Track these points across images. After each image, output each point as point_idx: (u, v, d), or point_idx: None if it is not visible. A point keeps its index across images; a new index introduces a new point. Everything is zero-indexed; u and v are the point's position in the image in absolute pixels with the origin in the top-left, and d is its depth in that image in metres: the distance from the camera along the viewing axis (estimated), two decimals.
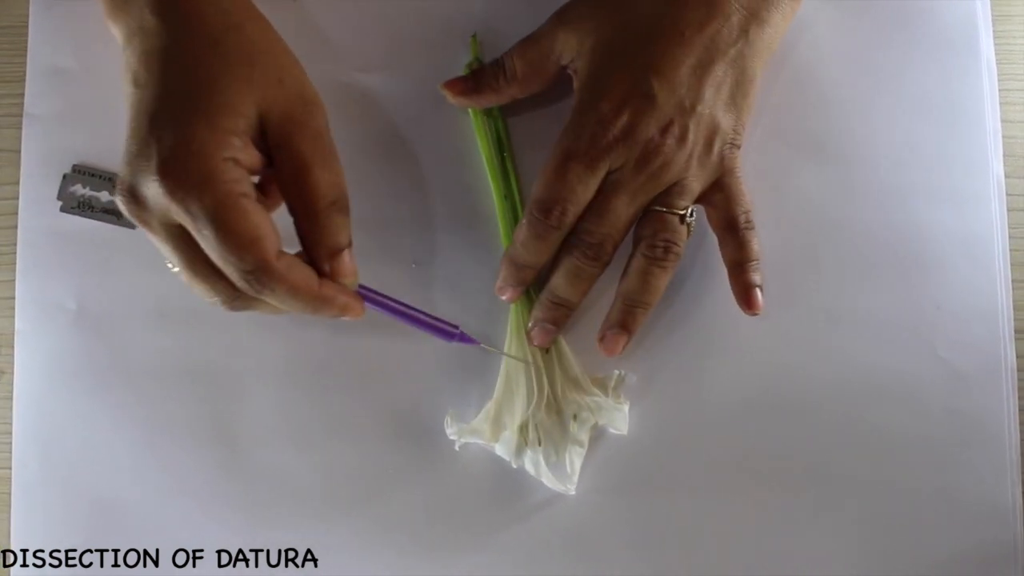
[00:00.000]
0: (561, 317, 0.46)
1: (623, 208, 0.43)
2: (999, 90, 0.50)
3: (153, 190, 0.36)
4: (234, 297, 0.38)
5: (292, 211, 0.39)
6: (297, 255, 0.39)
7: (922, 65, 0.50)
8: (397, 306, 0.43)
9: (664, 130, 0.43)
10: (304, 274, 0.38)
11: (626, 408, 0.47)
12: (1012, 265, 0.48)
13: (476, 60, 0.48)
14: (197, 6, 0.39)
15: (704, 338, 0.48)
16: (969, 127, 0.49)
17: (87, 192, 0.49)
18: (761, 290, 0.45)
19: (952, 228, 0.49)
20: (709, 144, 0.44)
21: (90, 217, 0.49)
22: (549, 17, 0.46)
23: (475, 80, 0.47)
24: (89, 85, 0.49)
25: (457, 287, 0.48)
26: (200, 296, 0.39)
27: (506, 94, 0.46)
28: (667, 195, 0.44)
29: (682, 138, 0.43)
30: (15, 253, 0.49)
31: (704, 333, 0.48)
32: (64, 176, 0.49)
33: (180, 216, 0.36)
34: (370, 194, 0.49)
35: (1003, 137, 0.50)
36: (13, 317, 0.49)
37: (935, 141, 0.49)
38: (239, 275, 0.37)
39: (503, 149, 0.48)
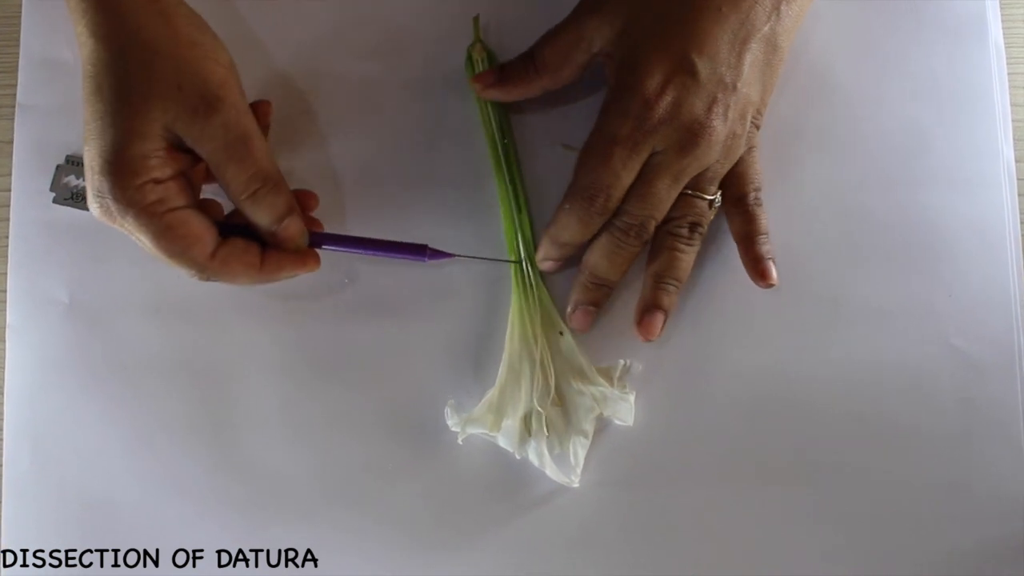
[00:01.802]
0: (602, 297, 0.46)
1: (665, 191, 0.43)
2: (1008, 74, 0.50)
3: (97, 207, 0.40)
4: (198, 278, 0.42)
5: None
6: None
7: (930, 51, 0.49)
8: (357, 243, 0.44)
9: (709, 109, 0.42)
10: (242, 260, 0.42)
11: (631, 399, 0.46)
12: None
13: (478, 42, 0.48)
14: (106, 17, 0.40)
15: (711, 328, 0.47)
16: (978, 112, 0.49)
17: (80, 183, 0.48)
18: (773, 262, 0.45)
19: (963, 214, 0.48)
20: (743, 122, 0.44)
21: (83, 208, 0.48)
22: (576, 5, 0.45)
23: (504, 72, 0.46)
24: (82, 76, 0.49)
25: (459, 276, 0.48)
26: None
27: (536, 86, 0.46)
28: (699, 179, 0.44)
29: (724, 116, 0.43)
30: (7, 246, 0.48)
31: (711, 323, 0.47)
32: (57, 167, 0.48)
33: (125, 229, 0.40)
34: (373, 183, 0.48)
35: (1013, 121, 0.49)
36: (5, 311, 0.48)
37: (944, 127, 0.49)
38: (188, 272, 0.41)
39: (505, 136, 0.48)
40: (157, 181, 0.40)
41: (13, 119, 0.49)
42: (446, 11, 0.49)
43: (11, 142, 0.49)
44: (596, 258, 0.45)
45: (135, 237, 0.40)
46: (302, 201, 0.45)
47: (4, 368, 0.48)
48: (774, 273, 0.45)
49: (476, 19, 0.48)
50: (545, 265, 0.46)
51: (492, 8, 0.49)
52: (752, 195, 0.45)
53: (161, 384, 0.47)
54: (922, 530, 0.46)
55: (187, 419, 0.47)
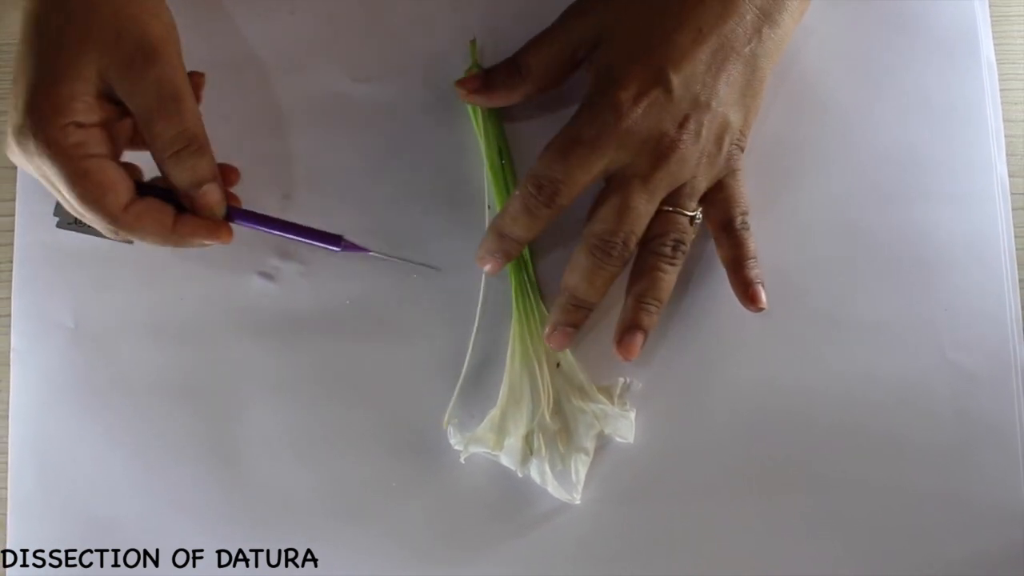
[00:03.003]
0: (580, 319, 0.45)
1: (643, 206, 0.43)
2: (1000, 90, 0.50)
3: (13, 152, 0.40)
4: (112, 233, 0.42)
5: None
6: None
7: (922, 67, 0.50)
8: (274, 223, 0.45)
9: (680, 125, 0.42)
10: (155, 219, 0.42)
11: (632, 416, 0.46)
12: (1018, 264, 0.48)
13: (475, 66, 0.48)
14: None
15: (709, 345, 0.48)
16: (971, 127, 0.49)
17: None
18: (762, 286, 0.45)
19: (957, 229, 0.48)
20: (719, 142, 0.44)
21: (86, 233, 0.48)
22: (561, 13, 0.45)
23: (488, 78, 0.46)
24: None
25: (456, 295, 0.48)
26: None
27: (520, 92, 0.46)
28: (677, 195, 0.44)
29: (696, 134, 0.43)
30: (11, 270, 0.49)
31: (709, 340, 0.48)
32: None
33: (38, 172, 0.40)
34: (368, 203, 0.48)
35: (1006, 137, 0.49)
36: (9, 334, 0.48)
37: (937, 142, 0.49)
38: (98, 222, 0.41)
39: (503, 157, 0.48)
40: (80, 125, 0.39)
41: None
42: (443, 32, 0.50)
43: (15, 167, 0.49)
44: (576, 279, 0.44)
45: (49, 180, 0.40)
46: (224, 174, 0.45)
47: (9, 391, 0.48)
48: (763, 297, 0.45)
49: (473, 42, 0.49)
50: (483, 263, 0.45)
51: (488, 31, 0.49)
52: (739, 219, 0.45)
53: (165, 405, 0.48)
54: (919, 541, 0.46)
55: (191, 440, 0.47)
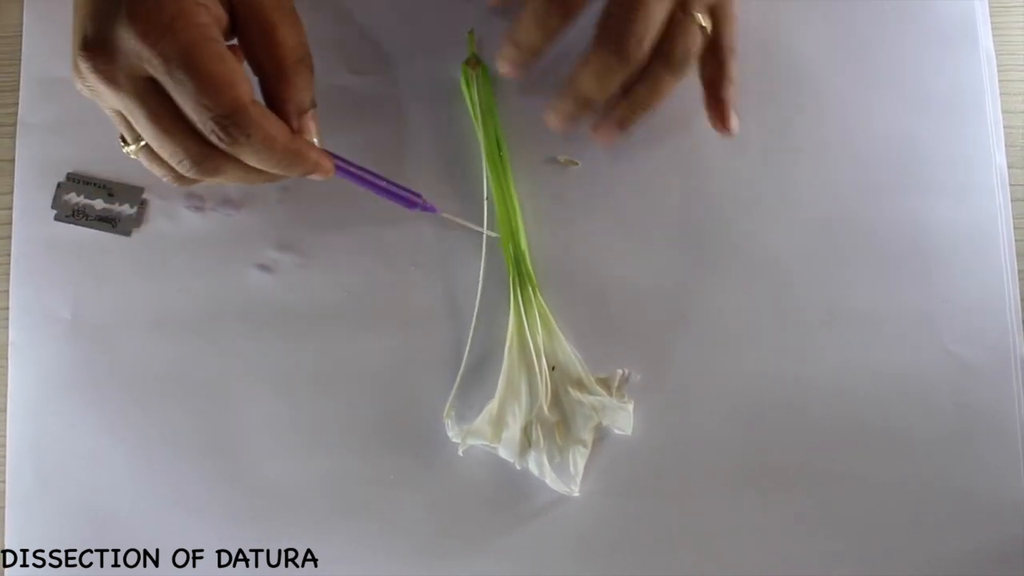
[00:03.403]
0: (582, 112, 0.45)
1: (657, 9, 0.42)
2: (1000, 81, 0.50)
3: (124, 36, 0.34)
4: (204, 156, 0.37)
5: (259, 71, 0.39)
6: None
7: (921, 58, 0.50)
8: (359, 171, 0.43)
9: None
10: (278, 123, 0.38)
11: (630, 408, 0.46)
12: (1017, 255, 0.48)
13: (473, 56, 0.48)
14: None
15: (708, 337, 0.48)
16: (970, 119, 0.49)
17: (81, 200, 0.48)
18: (736, 112, 0.45)
19: (956, 220, 0.48)
20: None
21: (85, 225, 0.48)
22: None
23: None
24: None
25: (454, 287, 0.48)
26: (164, 168, 0.39)
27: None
28: (688, 2, 0.43)
29: None
30: (9, 263, 0.49)
31: (708, 332, 0.48)
32: (58, 185, 0.49)
33: (152, 62, 0.35)
34: (367, 194, 0.48)
35: (1005, 128, 0.49)
36: (7, 328, 0.48)
37: (936, 134, 0.49)
38: (214, 123, 0.36)
39: (501, 149, 0.48)
40: (208, 9, 0.36)
41: (14, 137, 0.49)
42: (441, 23, 0.50)
43: (12, 160, 0.49)
44: (585, 76, 0.43)
45: (165, 67, 0.35)
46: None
47: (7, 384, 0.48)
48: (735, 121, 0.45)
49: (471, 34, 0.49)
50: (502, 66, 0.44)
51: (486, 23, 0.49)
52: (726, 40, 0.45)
53: (163, 399, 0.47)
54: (920, 534, 0.46)
55: (189, 433, 0.47)
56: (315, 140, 0.40)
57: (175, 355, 0.48)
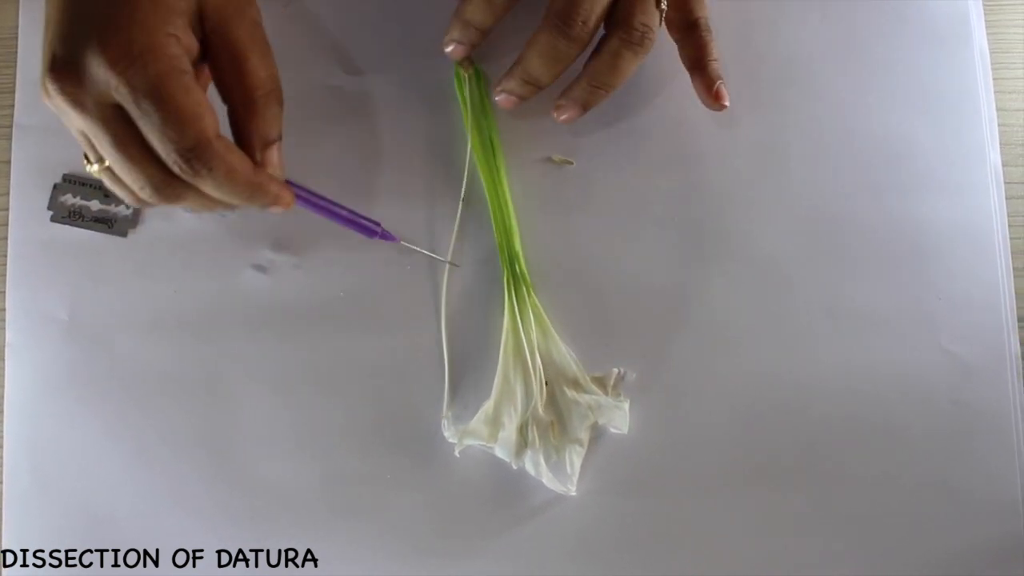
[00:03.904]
0: (528, 93, 0.45)
1: None
2: (994, 79, 0.50)
3: (93, 62, 0.34)
4: (165, 184, 0.37)
5: (227, 100, 0.39)
6: None
7: (916, 56, 0.50)
8: (320, 201, 0.43)
9: None
10: (241, 157, 0.38)
11: (626, 406, 0.46)
12: (1012, 253, 0.48)
13: (466, 58, 0.48)
14: None
15: (703, 335, 0.48)
16: (965, 117, 0.49)
17: (78, 201, 0.49)
18: (724, 86, 0.45)
19: (951, 218, 0.48)
20: None
21: (81, 227, 0.49)
22: None
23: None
24: None
25: (450, 287, 0.48)
26: (125, 190, 0.39)
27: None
28: None
29: None
30: (5, 264, 0.49)
31: (703, 330, 0.48)
32: (54, 186, 0.49)
33: (119, 91, 0.35)
34: (361, 195, 0.49)
35: (1000, 126, 0.50)
36: (4, 329, 0.48)
37: (931, 132, 0.49)
38: (177, 154, 0.36)
39: (494, 149, 0.48)
40: (179, 40, 0.36)
41: (11, 139, 0.49)
42: (435, 24, 0.50)
43: (8, 162, 0.49)
44: (532, 56, 0.44)
45: (132, 97, 0.35)
46: None
47: (4, 386, 0.48)
48: (726, 95, 0.45)
49: None
50: (449, 48, 0.46)
51: None
52: (702, 20, 0.45)
53: (160, 400, 0.47)
54: (917, 531, 0.46)
55: (187, 434, 0.47)
56: (278, 172, 0.40)
57: (172, 355, 0.48)
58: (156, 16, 0.35)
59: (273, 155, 0.40)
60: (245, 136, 0.39)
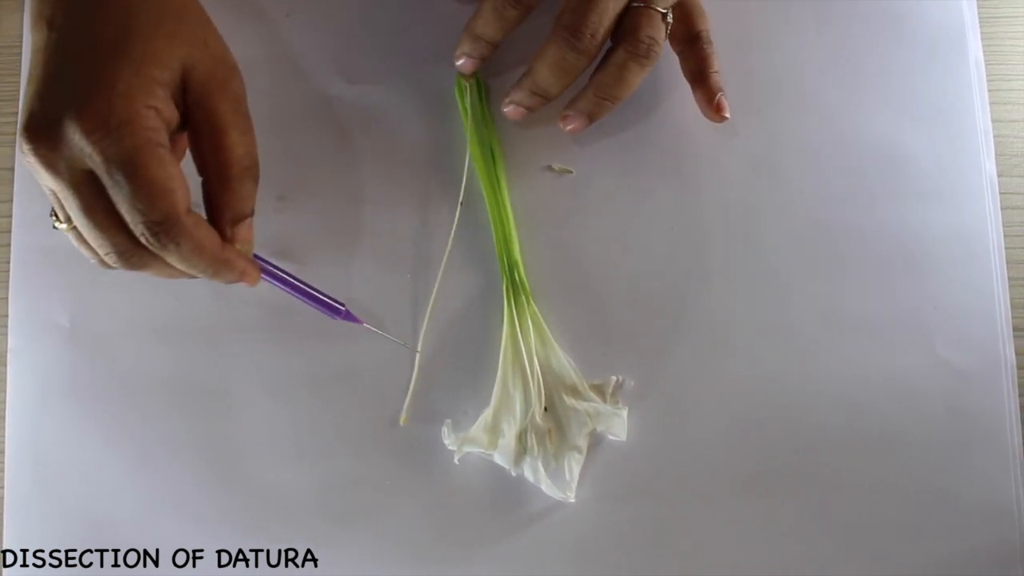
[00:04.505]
0: (536, 104, 0.46)
1: (611, 3, 0.43)
2: (990, 90, 0.50)
3: (70, 128, 0.34)
4: (131, 252, 0.38)
5: (203, 172, 0.39)
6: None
7: (911, 66, 0.50)
8: (287, 278, 0.44)
9: None
10: (209, 233, 0.38)
11: (624, 414, 0.46)
12: (1008, 263, 0.48)
13: None
14: None
15: (701, 342, 0.48)
16: (960, 127, 0.50)
17: None
18: (724, 96, 0.46)
19: (947, 227, 0.49)
20: None
21: None
22: None
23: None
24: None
25: (451, 298, 0.48)
26: (90, 252, 0.39)
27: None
28: None
29: None
30: (8, 271, 0.49)
31: (701, 337, 0.48)
32: None
33: (93, 159, 0.35)
34: (362, 203, 0.49)
35: (996, 137, 0.50)
36: (6, 335, 0.48)
37: (926, 142, 0.49)
38: (145, 227, 0.36)
39: (495, 158, 0.48)
40: (159, 113, 0.36)
41: (14, 146, 0.50)
42: (436, 34, 0.50)
43: (12, 168, 0.50)
44: (540, 67, 0.44)
45: (105, 167, 0.35)
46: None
47: (6, 390, 0.48)
48: (727, 107, 0.46)
49: None
50: (460, 61, 0.47)
51: None
52: (703, 33, 0.46)
53: (161, 405, 0.48)
54: (913, 538, 0.46)
55: (188, 439, 0.48)
56: (247, 248, 0.41)
57: (173, 361, 0.48)
58: (138, 87, 0.35)
59: (243, 231, 0.40)
60: (217, 210, 0.39)
